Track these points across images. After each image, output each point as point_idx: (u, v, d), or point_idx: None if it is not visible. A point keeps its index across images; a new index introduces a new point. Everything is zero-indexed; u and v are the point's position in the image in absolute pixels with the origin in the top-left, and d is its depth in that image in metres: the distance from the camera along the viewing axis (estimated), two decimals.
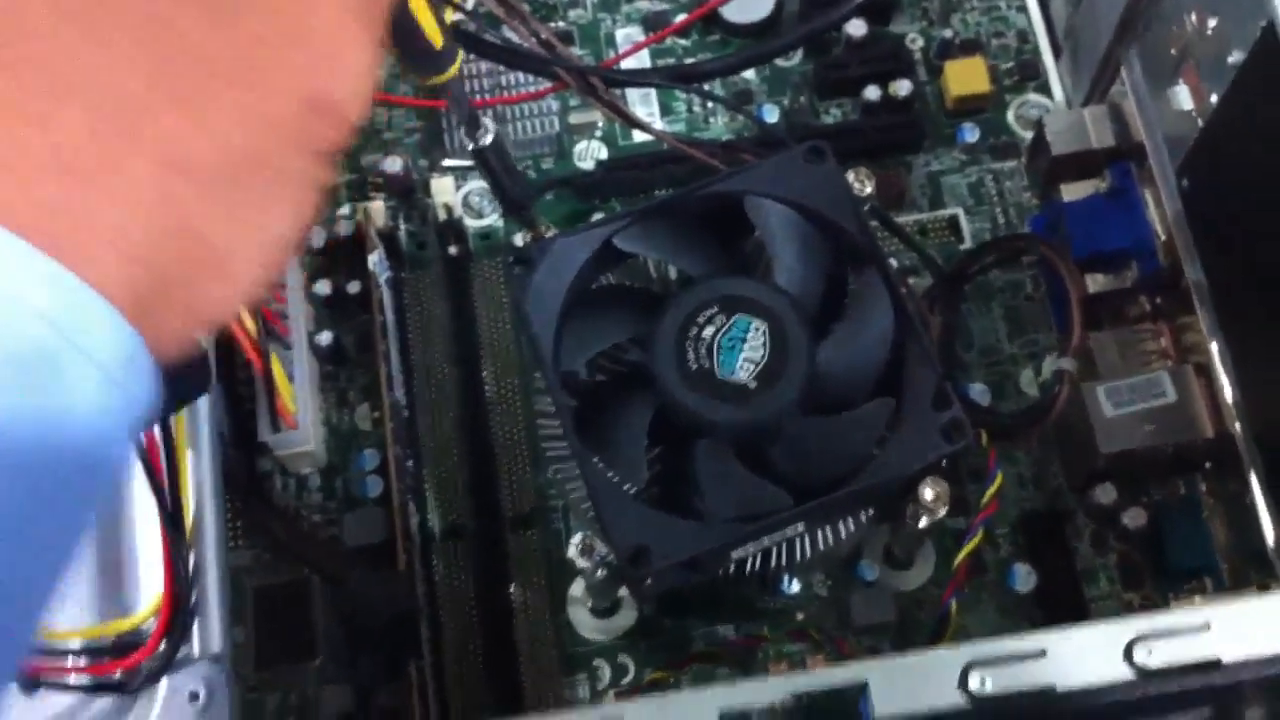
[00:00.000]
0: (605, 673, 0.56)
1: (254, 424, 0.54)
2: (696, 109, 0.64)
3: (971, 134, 0.62)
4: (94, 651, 0.44)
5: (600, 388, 0.50)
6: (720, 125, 0.64)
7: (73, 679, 0.43)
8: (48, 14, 0.25)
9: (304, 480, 0.58)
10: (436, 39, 0.38)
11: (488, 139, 0.49)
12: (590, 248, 0.48)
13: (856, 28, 0.63)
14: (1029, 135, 0.61)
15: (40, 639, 0.30)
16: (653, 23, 0.66)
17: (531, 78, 0.62)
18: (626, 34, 0.66)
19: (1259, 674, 0.36)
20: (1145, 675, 0.36)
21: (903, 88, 0.62)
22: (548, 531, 0.58)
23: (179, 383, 0.32)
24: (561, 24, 0.67)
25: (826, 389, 0.48)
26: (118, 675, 0.43)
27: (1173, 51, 0.50)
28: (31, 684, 0.43)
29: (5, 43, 0.25)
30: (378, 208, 0.60)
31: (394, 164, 0.62)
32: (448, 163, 0.63)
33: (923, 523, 0.50)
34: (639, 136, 0.63)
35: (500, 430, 0.58)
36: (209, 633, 0.45)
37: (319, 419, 0.58)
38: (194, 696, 0.43)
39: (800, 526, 0.49)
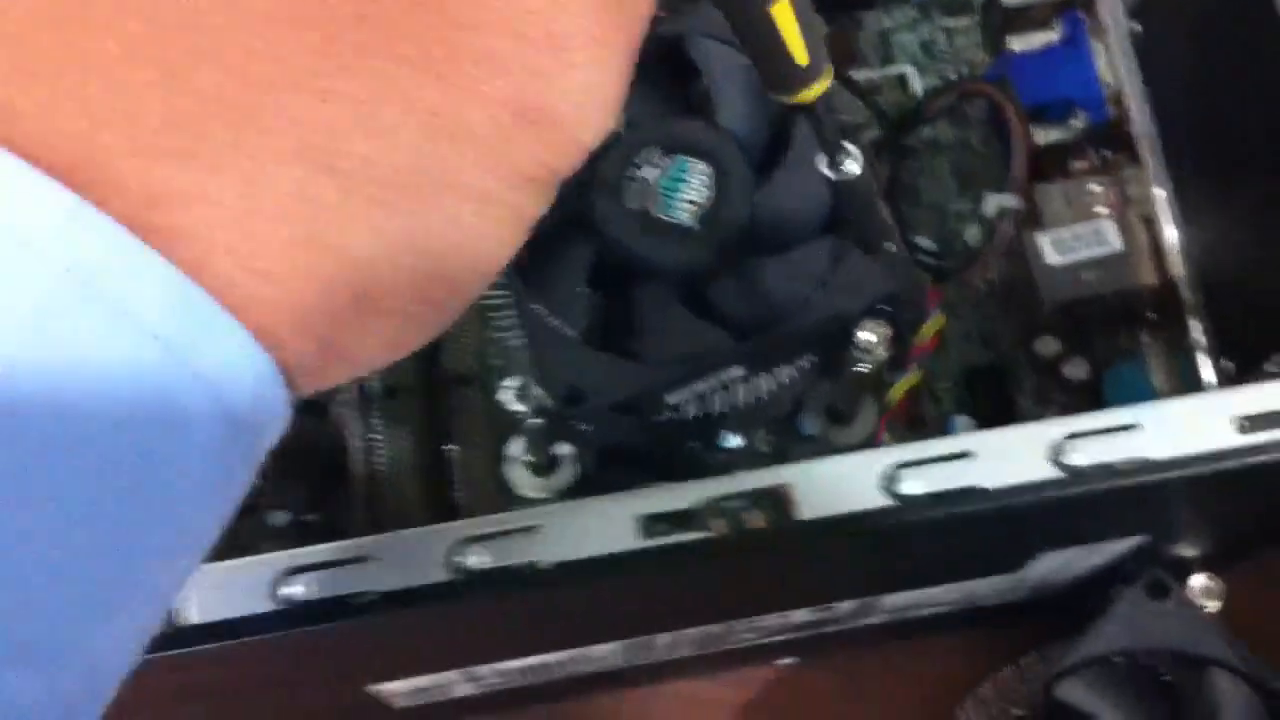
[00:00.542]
0: None
1: None
2: None
3: None
4: None
5: (540, 231, 0.49)
6: None
7: None
8: (194, 41, 0.19)
9: None
10: (801, 54, 0.30)
11: (855, 168, 0.41)
12: None
13: None
14: None
15: None
16: None
17: None
18: None
19: (1190, 472, 0.35)
20: (1073, 475, 0.35)
21: None
22: (487, 390, 0.57)
23: None
24: None
25: (769, 231, 0.48)
26: None
27: None
28: None
29: None
30: None
31: None
32: None
33: (863, 369, 0.49)
34: None
35: None
36: None
37: None
38: None
39: (739, 371, 0.48)
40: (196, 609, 0.35)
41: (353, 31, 0.20)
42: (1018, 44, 0.55)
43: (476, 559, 0.36)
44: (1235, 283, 0.47)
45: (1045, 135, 0.54)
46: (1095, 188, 0.53)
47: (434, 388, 0.57)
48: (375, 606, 0.36)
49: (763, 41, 0.30)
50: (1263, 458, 0.35)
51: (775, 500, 0.38)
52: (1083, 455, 0.36)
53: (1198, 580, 0.52)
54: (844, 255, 0.46)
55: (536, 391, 0.48)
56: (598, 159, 0.46)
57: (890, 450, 0.37)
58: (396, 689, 0.50)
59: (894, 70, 0.59)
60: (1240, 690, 0.51)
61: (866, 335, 0.47)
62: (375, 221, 0.21)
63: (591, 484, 0.56)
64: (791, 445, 0.56)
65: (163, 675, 0.34)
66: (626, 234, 0.45)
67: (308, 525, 0.51)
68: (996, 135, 0.56)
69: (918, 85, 0.59)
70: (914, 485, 0.36)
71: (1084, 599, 0.54)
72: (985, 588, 0.52)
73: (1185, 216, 0.49)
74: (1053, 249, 0.51)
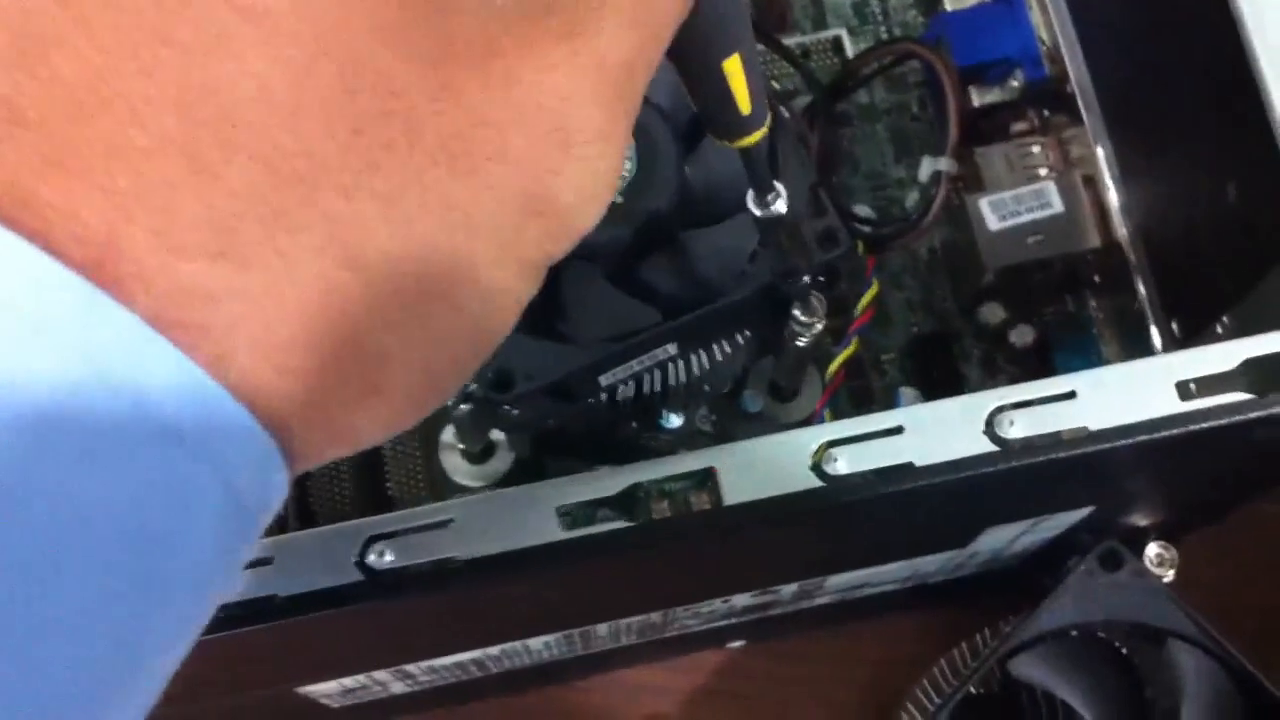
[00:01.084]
0: None
1: None
2: None
3: None
4: None
5: None
6: None
7: None
8: (239, 21, 0.19)
9: None
10: (745, 105, 0.31)
11: (781, 207, 0.41)
12: None
13: None
14: None
15: None
16: None
17: None
18: None
19: (1132, 441, 0.34)
20: (1008, 447, 0.34)
21: None
22: None
23: None
24: None
25: (700, 202, 0.46)
26: None
27: None
28: None
29: (180, 48, 0.18)
30: None
31: None
32: None
33: (802, 342, 0.47)
34: None
35: None
36: None
37: None
38: None
39: (672, 349, 0.47)
40: None
41: (379, 126, 0.20)
42: (951, 3, 0.53)
43: (387, 557, 0.34)
44: (1180, 242, 0.46)
45: (983, 97, 0.52)
46: (1036, 149, 0.52)
47: None
48: (283, 611, 0.34)
49: (711, 92, 0.31)
50: (1206, 424, 0.34)
51: (702, 484, 0.36)
52: (1019, 427, 0.34)
53: (1151, 549, 0.50)
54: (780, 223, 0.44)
55: None
56: None
57: (820, 429, 0.35)
58: (325, 690, 0.48)
59: (827, 34, 0.57)
60: (1201, 661, 0.50)
61: (804, 307, 0.45)
62: (391, 315, 0.21)
63: (528, 469, 0.55)
64: (734, 423, 0.54)
65: None
66: None
67: None
68: (934, 99, 0.55)
69: (851, 49, 0.57)
70: (844, 464, 0.34)
71: (1037, 572, 0.53)
72: (932, 565, 0.50)
73: (1126, 175, 0.48)
74: (994, 214, 0.49)
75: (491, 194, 0.21)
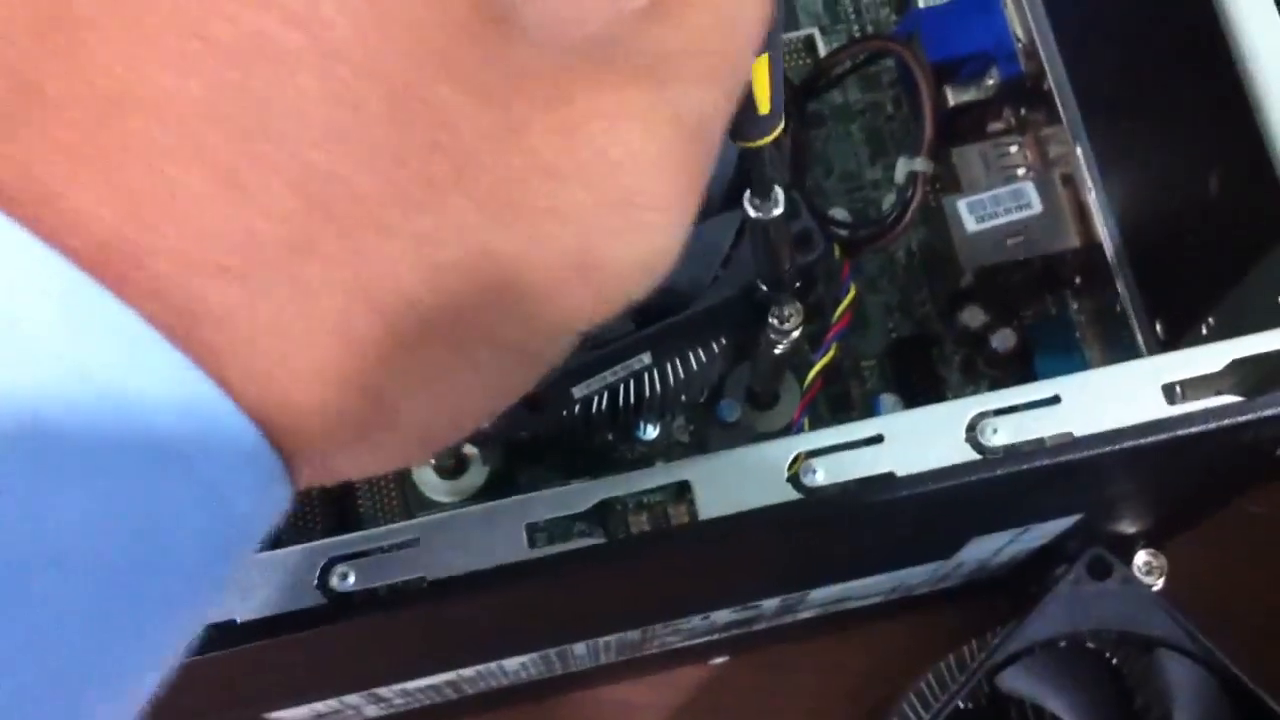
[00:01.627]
0: None
1: None
2: None
3: None
4: None
5: None
6: None
7: None
8: (285, 28, 0.17)
9: None
10: (765, 105, 0.30)
11: (776, 211, 0.39)
12: None
13: None
14: None
15: None
16: None
17: None
18: None
19: (1117, 448, 0.33)
20: (991, 456, 0.33)
21: None
22: None
23: None
24: None
25: None
26: None
27: None
28: None
29: (224, 59, 0.17)
30: None
31: None
32: None
33: (778, 349, 0.46)
34: None
35: None
36: None
37: None
38: None
39: (646, 358, 0.46)
40: None
41: (425, 161, 0.18)
42: None
43: (350, 579, 0.33)
44: (1162, 239, 0.45)
45: (959, 96, 0.51)
46: (1013, 148, 0.51)
47: None
48: (243, 636, 0.33)
49: None
50: (1193, 429, 0.33)
51: (678, 497, 0.35)
52: (1001, 434, 0.33)
53: (1140, 557, 0.49)
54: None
55: None
56: None
57: (796, 439, 0.34)
58: (296, 715, 0.47)
59: (799, 34, 0.56)
60: (1191, 670, 0.49)
61: (779, 312, 0.44)
62: (407, 364, 0.19)
63: (503, 481, 0.54)
64: (712, 433, 0.53)
65: None
66: None
67: None
68: (908, 97, 0.54)
69: (823, 48, 0.56)
70: (822, 475, 0.33)
71: (1025, 581, 0.52)
72: (917, 576, 0.49)
73: (1106, 173, 0.47)
74: (971, 215, 0.48)
75: (538, 250, 0.19)
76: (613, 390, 0.47)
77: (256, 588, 0.33)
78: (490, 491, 0.53)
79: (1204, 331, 0.41)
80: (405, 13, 0.18)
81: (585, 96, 0.19)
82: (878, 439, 0.33)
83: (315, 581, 0.33)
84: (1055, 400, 0.33)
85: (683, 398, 0.50)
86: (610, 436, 0.54)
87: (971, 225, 0.48)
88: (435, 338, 0.19)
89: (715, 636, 0.53)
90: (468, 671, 0.47)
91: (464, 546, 0.33)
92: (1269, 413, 0.33)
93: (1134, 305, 0.47)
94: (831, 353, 0.45)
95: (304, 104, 0.17)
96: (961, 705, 0.51)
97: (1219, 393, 0.34)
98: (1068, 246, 0.48)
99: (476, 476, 0.53)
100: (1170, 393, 0.33)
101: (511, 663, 0.47)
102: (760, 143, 0.33)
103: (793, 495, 0.33)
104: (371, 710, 0.50)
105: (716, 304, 0.44)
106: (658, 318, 0.45)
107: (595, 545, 0.33)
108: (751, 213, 0.39)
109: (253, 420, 0.18)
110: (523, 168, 0.19)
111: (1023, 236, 0.48)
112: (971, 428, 0.33)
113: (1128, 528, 0.49)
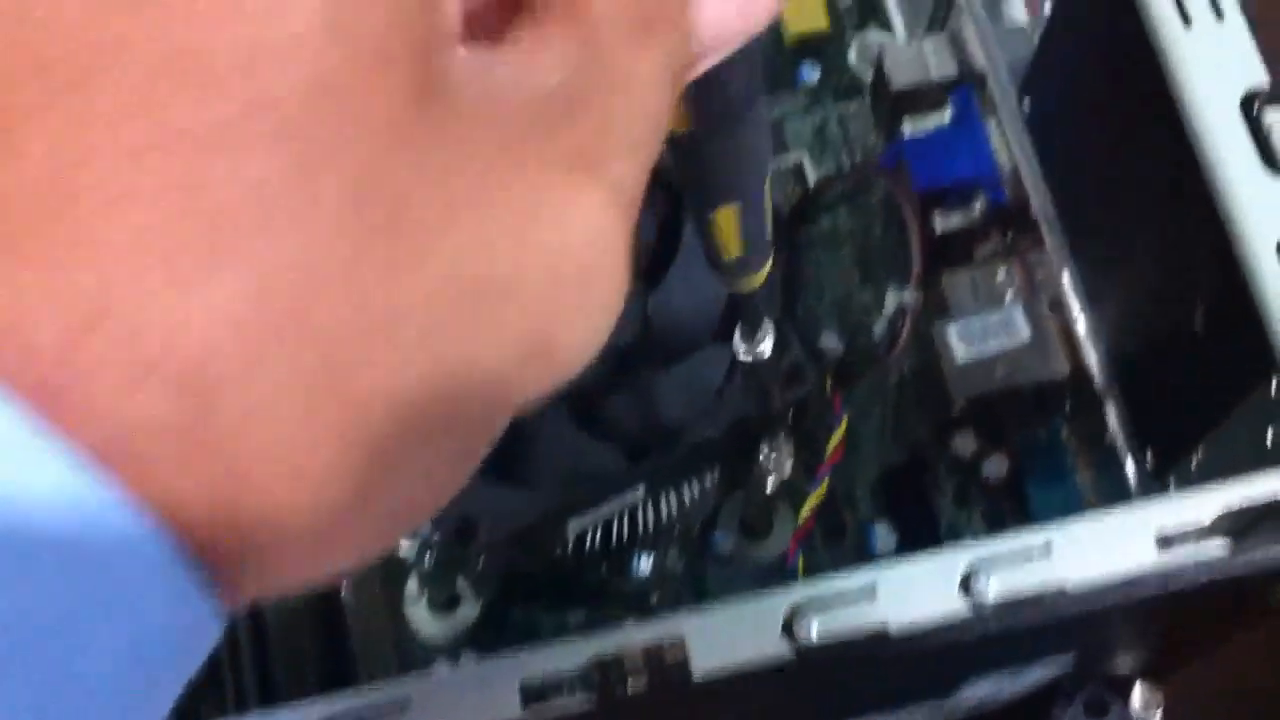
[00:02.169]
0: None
1: None
2: None
3: (812, 73, 0.58)
4: None
5: None
6: None
7: None
8: (240, 112, 0.16)
9: None
10: (729, 253, 0.31)
11: (766, 350, 0.40)
12: None
13: None
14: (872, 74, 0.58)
15: None
16: None
17: None
18: None
19: (1109, 599, 0.32)
20: (984, 607, 0.32)
21: None
22: None
23: None
24: None
25: (663, 337, 0.45)
26: None
27: None
28: None
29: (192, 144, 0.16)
30: None
31: None
32: None
33: (769, 484, 0.46)
34: None
35: None
36: None
37: None
38: None
39: (640, 491, 0.46)
40: None
41: (384, 245, 0.17)
42: (910, 127, 0.53)
43: None
44: (1149, 369, 0.45)
45: (947, 222, 0.51)
46: (1001, 274, 0.51)
47: None
48: None
49: (702, 234, 0.32)
50: (1185, 581, 0.32)
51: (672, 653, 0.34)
52: (995, 586, 0.33)
53: (1137, 695, 0.49)
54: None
55: (425, 526, 0.44)
56: None
57: (790, 590, 0.34)
58: None
59: (789, 159, 0.57)
60: None
61: (771, 444, 0.45)
62: (360, 461, 0.18)
63: (495, 615, 0.53)
64: (705, 564, 0.53)
65: None
66: None
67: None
68: (896, 226, 0.54)
69: (812, 174, 0.56)
70: (815, 631, 0.33)
71: (1024, 718, 0.51)
72: (916, 716, 0.49)
73: (1093, 300, 0.47)
74: (961, 342, 0.48)
75: (494, 335, 0.19)
76: (606, 526, 0.47)
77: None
78: (483, 625, 0.53)
79: (1193, 466, 0.41)
80: (354, 89, 0.17)
81: (539, 177, 0.19)
82: (871, 590, 0.33)
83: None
84: (1047, 549, 0.33)
85: (676, 530, 0.50)
86: (603, 570, 0.54)
87: (961, 354, 0.48)
88: (392, 434, 0.18)
89: None
90: None
91: (457, 709, 0.33)
92: (1261, 561, 0.33)
93: (1124, 433, 0.47)
94: (824, 487, 0.45)
95: (261, 188, 0.16)
96: None
97: (1210, 532, 0.34)
98: (1057, 374, 0.48)
99: (470, 610, 0.53)
100: (1161, 541, 0.33)
101: None
102: (740, 286, 0.34)
103: (786, 650, 0.33)
104: None
105: (709, 438, 0.44)
106: (650, 449, 0.45)
107: (589, 712, 0.33)
108: (740, 356, 0.40)
109: (169, 522, 0.16)
110: (479, 253, 0.18)
111: (1011, 364, 0.48)
112: (965, 579, 0.33)
113: (1123, 667, 0.48)
